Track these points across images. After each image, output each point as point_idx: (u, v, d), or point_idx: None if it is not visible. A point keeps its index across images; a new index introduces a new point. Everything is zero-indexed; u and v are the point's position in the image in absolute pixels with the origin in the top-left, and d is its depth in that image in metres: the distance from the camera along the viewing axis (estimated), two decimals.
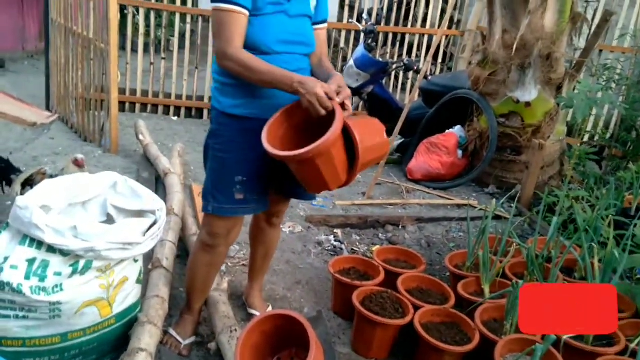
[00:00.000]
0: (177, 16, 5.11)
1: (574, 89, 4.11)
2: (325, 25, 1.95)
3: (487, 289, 2.37)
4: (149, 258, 2.27)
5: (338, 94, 1.63)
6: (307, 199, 2.09)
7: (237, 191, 1.80)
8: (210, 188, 1.84)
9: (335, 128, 1.55)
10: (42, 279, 1.65)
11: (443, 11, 6.16)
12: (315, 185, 1.74)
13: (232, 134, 1.80)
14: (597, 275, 2.16)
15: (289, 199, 2.10)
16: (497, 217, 3.53)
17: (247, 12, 1.68)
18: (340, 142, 1.63)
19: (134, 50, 5.13)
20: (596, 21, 4.69)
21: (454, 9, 6.03)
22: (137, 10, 5.10)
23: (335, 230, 3.23)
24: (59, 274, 1.68)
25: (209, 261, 1.97)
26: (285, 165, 1.71)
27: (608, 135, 4.91)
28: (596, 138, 5.07)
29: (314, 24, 1.89)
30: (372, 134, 1.77)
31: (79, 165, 2.70)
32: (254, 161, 1.79)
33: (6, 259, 1.65)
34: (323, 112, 1.60)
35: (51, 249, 1.67)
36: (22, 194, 2.43)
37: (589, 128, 5.23)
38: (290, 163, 1.67)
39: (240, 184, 1.79)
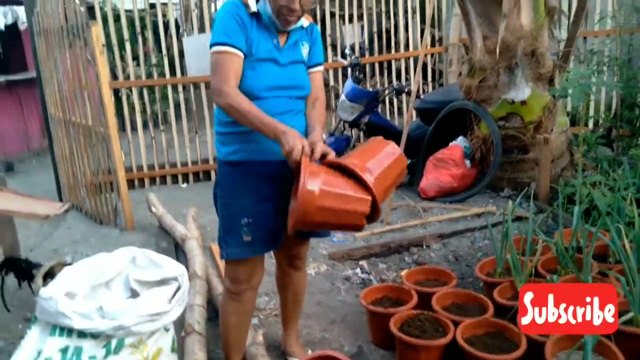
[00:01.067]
0: (170, 88, 5.26)
1: (566, 80, 4.12)
2: (320, 68, 2.00)
3: None
4: (181, 325, 2.26)
5: (313, 150, 1.67)
6: (323, 236, 2.08)
7: (245, 233, 1.84)
8: (222, 235, 1.89)
9: (300, 190, 1.54)
10: None
11: (423, 32, 6.28)
12: (341, 227, 1.79)
13: (234, 180, 1.86)
14: (630, 255, 2.10)
15: (305, 239, 2.10)
16: (519, 219, 3.48)
17: (242, 55, 1.77)
18: (334, 179, 1.63)
19: (134, 128, 5.26)
20: (573, 10, 4.74)
21: (432, 26, 6.15)
22: (131, 90, 5.26)
23: (360, 263, 3.20)
24: (93, 357, 1.67)
25: (237, 309, 1.98)
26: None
27: (612, 117, 4.88)
28: (600, 122, 5.04)
29: (309, 67, 1.95)
30: (370, 151, 1.80)
31: None
32: (257, 203, 1.83)
33: (39, 352, 1.65)
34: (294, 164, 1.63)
35: (82, 334, 1.67)
36: (44, 286, 2.44)
37: (591, 114, 5.20)
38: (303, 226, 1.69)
39: (246, 226, 1.84)
